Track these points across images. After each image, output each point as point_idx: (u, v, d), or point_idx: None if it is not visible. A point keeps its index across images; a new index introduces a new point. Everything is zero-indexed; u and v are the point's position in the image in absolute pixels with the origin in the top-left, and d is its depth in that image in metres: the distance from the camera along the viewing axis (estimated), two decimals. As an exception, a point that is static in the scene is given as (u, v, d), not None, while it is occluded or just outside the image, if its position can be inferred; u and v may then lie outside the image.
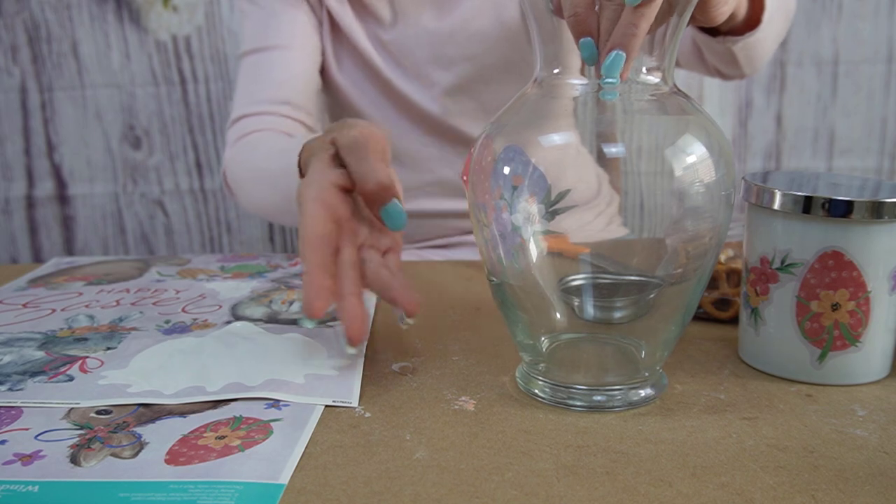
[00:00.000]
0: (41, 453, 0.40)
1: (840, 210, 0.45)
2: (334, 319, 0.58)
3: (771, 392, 0.47)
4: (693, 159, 0.42)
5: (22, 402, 0.46)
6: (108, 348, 0.53)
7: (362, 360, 0.51)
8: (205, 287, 0.67)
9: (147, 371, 0.49)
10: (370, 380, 0.49)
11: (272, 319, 0.58)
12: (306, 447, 0.41)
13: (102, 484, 0.37)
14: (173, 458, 0.39)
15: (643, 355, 0.46)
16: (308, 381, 0.48)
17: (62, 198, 1.47)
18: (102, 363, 0.51)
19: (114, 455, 0.40)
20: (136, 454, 0.40)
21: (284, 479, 0.38)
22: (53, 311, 0.61)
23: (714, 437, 0.42)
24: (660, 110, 0.44)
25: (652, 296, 0.44)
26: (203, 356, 0.51)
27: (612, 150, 0.42)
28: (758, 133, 1.42)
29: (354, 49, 0.88)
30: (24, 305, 0.63)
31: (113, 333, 0.56)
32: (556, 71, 0.45)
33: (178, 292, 0.65)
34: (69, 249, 1.50)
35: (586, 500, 0.36)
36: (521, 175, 0.42)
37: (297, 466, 0.39)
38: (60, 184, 1.46)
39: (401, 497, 0.36)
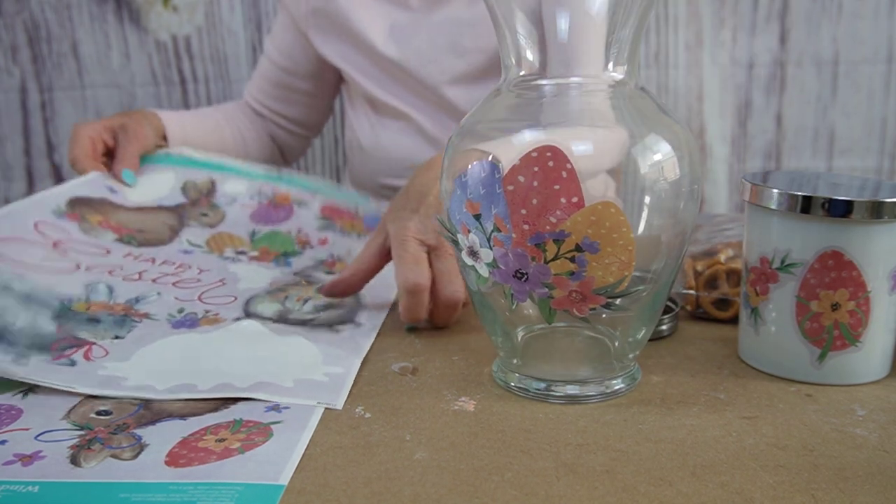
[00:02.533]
0: (41, 454, 0.40)
1: (840, 210, 0.45)
2: (342, 323, 0.58)
3: (771, 392, 0.47)
4: (658, 157, 0.42)
5: (23, 375, 0.47)
6: (116, 336, 0.54)
7: (358, 365, 0.51)
8: (227, 270, 0.67)
9: (146, 366, 0.50)
10: (370, 380, 0.49)
11: (282, 319, 0.58)
12: (306, 448, 0.41)
13: (102, 485, 0.37)
14: (173, 459, 0.39)
15: (616, 346, 0.46)
16: (296, 386, 0.48)
17: (62, 198, 1.46)
18: (107, 353, 0.51)
19: (114, 456, 0.40)
20: (136, 456, 0.40)
21: (284, 480, 0.38)
22: (78, 266, 0.61)
23: (714, 436, 0.42)
24: (624, 108, 0.45)
25: (645, 293, 0.44)
26: (202, 357, 0.51)
27: (580, 147, 0.41)
28: (758, 133, 1.42)
29: (358, 37, 0.90)
30: (55, 245, 0.63)
31: (125, 319, 0.56)
32: (522, 73, 0.45)
33: (200, 272, 0.66)
34: (69, 250, 1.50)
35: (586, 499, 0.36)
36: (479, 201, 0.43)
37: (297, 467, 0.39)
38: (60, 184, 1.46)
39: (401, 497, 0.36)
